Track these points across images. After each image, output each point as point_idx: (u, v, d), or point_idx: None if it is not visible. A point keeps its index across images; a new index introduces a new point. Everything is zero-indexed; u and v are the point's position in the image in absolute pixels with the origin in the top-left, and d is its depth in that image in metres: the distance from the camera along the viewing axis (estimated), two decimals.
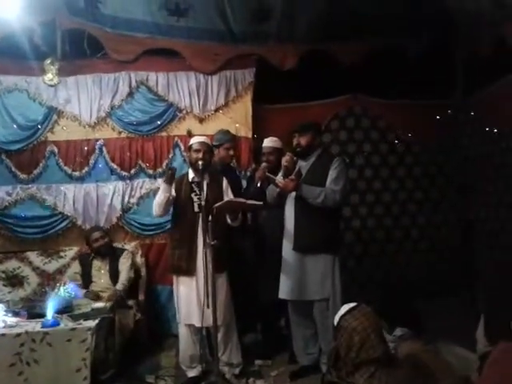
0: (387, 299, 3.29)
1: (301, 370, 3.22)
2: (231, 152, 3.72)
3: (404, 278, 4.49)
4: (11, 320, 2.81)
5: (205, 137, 3.39)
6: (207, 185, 3.14)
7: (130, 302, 3.66)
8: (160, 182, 4.08)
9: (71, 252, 4.08)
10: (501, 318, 2.66)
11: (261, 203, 3.04)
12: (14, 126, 4.10)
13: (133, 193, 4.21)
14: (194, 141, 3.25)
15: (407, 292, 3.84)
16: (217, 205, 2.95)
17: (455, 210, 4.84)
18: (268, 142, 3.63)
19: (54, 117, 4.16)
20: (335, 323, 2.05)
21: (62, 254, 4.07)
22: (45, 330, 2.63)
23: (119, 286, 3.64)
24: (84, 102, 4.18)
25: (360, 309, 2.00)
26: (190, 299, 3.07)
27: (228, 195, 3.20)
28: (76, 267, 3.89)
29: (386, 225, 4.79)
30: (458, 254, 4.72)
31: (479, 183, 4.59)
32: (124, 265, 3.78)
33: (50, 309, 2.78)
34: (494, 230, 4.37)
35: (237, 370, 3.18)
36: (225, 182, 3.27)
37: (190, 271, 3.09)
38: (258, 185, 3.30)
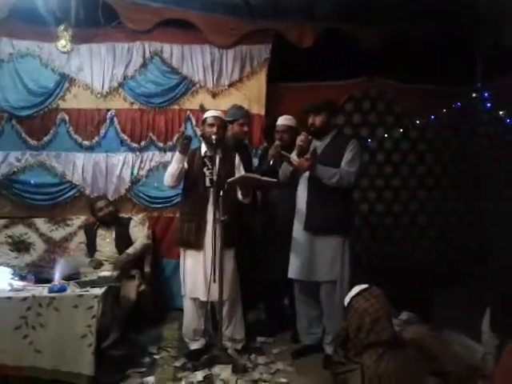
0: (393, 284, 3.27)
1: (303, 349, 3.23)
2: (245, 128, 3.69)
3: (411, 264, 4.47)
4: (18, 284, 2.81)
5: (219, 111, 3.35)
6: (219, 160, 3.11)
7: (134, 272, 3.66)
8: (170, 155, 4.11)
9: (78, 221, 4.07)
10: (507, 311, 2.65)
11: (275, 180, 3.04)
12: (26, 91, 4.06)
13: (142, 165, 4.18)
14: (208, 115, 3.21)
15: (414, 278, 3.82)
16: (231, 179, 2.93)
17: (465, 199, 4.79)
18: (282, 120, 3.58)
19: (66, 84, 4.12)
20: (346, 304, 2.04)
21: (68, 222, 4.07)
22: (52, 294, 2.63)
23: (130, 250, 3.65)
24: (96, 71, 4.13)
25: (371, 291, 1.98)
26: (197, 273, 3.08)
27: (240, 171, 3.18)
28: (82, 236, 3.89)
29: (395, 210, 4.75)
30: (467, 243, 4.69)
31: (492, 173, 4.54)
32: (140, 232, 3.83)
33: (57, 274, 2.77)
34: (504, 221, 4.33)
35: (239, 346, 3.20)
36: (237, 158, 3.24)
37: (198, 245, 3.08)
38: (271, 163, 3.27)
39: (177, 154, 3.13)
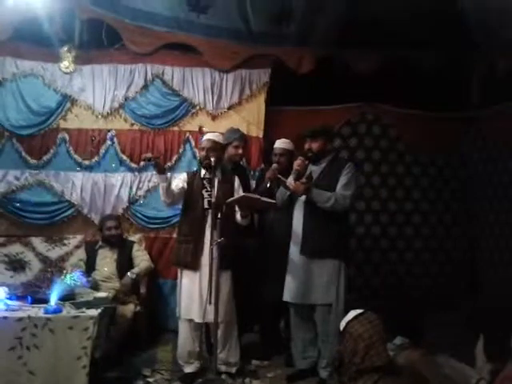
0: (387, 307, 3.29)
1: (298, 374, 3.22)
2: (240, 150, 3.69)
3: (404, 288, 4.50)
4: (14, 304, 2.80)
5: (216, 134, 3.39)
6: (218, 182, 3.14)
7: (129, 299, 3.65)
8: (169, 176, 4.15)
9: (75, 240, 4.06)
10: (500, 336, 2.67)
11: (274, 201, 3.06)
12: (27, 111, 4.10)
13: (140, 185, 4.21)
14: (203, 138, 3.26)
15: (408, 302, 3.84)
16: (231, 199, 2.97)
17: (459, 225, 4.83)
18: (280, 144, 3.64)
19: (68, 104, 4.17)
20: (341, 328, 2.05)
21: (65, 241, 4.06)
22: (47, 316, 2.63)
23: (136, 270, 3.68)
24: (98, 92, 4.19)
25: (367, 316, 2.00)
26: (192, 294, 3.08)
27: (239, 194, 3.20)
28: (79, 255, 3.90)
29: (390, 234, 4.78)
30: (460, 268, 4.72)
31: (485, 200, 4.59)
32: (144, 255, 3.87)
33: (54, 295, 2.77)
34: (498, 247, 4.37)
35: (234, 369, 3.18)
36: (237, 181, 3.28)
37: (194, 266, 3.10)
38: (268, 185, 3.32)
39: (156, 176, 3.21)
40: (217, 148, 3.20)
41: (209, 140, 3.22)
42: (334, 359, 2.02)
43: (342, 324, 2.05)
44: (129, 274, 3.66)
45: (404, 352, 2.36)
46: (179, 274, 3.23)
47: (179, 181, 3.30)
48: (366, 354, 1.90)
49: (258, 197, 2.97)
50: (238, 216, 3.14)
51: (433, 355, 2.72)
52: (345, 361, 1.95)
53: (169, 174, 3.52)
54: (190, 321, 3.11)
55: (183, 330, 3.18)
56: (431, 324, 3.57)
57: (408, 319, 3.29)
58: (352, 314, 2.04)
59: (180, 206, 4.00)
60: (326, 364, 3.04)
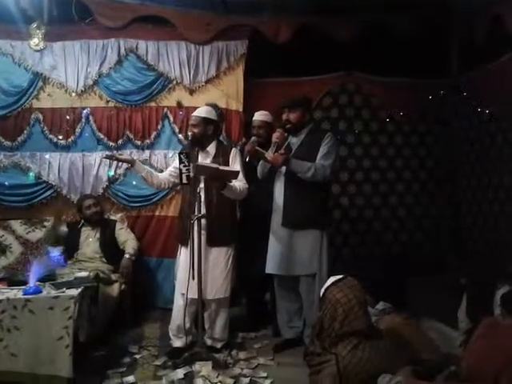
0: (372, 275, 3.30)
1: (284, 343, 3.23)
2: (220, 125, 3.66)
3: (390, 255, 4.52)
4: None
5: (203, 107, 3.30)
6: (213, 157, 3.12)
7: (115, 277, 3.63)
8: (148, 153, 4.13)
9: None
10: (482, 298, 2.69)
11: (237, 170, 3.00)
12: None
13: (119, 164, 4.13)
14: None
15: (392, 269, 3.86)
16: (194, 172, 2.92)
17: (443, 192, 4.85)
18: (258, 116, 3.58)
19: (40, 83, 4.06)
20: (321, 294, 2.05)
21: (45, 223, 4.00)
22: (26, 297, 2.59)
23: (131, 251, 3.71)
24: (71, 69, 4.07)
25: (346, 281, 1.99)
26: (185, 270, 3.04)
27: (235, 167, 3.13)
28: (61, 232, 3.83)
29: (374, 203, 4.79)
30: (445, 234, 4.75)
31: (468, 165, 4.60)
32: (129, 234, 3.86)
33: (33, 276, 2.73)
34: (481, 211, 4.40)
35: (219, 345, 3.18)
36: (232, 153, 3.20)
37: (185, 242, 3.08)
38: (247, 159, 3.27)
39: None
40: (200, 123, 3.13)
41: (192, 115, 3.19)
42: (314, 325, 2.01)
43: (322, 290, 2.04)
44: (127, 255, 3.67)
45: (386, 317, 2.37)
46: (179, 250, 3.24)
47: (173, 164, 3.31)
48: (344, 319, 1.90)
49: (216, 166, 2.89)
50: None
51: (416, 319, 2.75)
52: (324, 326, 1.95)
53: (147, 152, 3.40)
54: (183, 295, 3.08)
55: (176, 304, 3.17)
56: (416, 289, 3.60)
57: (392, 285, 3.31)
58: (331, 280, 2.03)
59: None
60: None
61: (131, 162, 3.19)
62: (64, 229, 3.79)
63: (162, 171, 4.03)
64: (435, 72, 4.51)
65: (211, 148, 3.17)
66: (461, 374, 1.47)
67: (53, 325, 2.57)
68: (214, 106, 3.72)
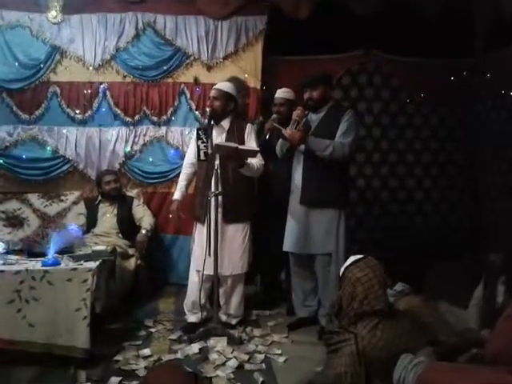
0: (388, 257, 3.28)
1: (299, 322, 3.23)
2: (247, 100, 3.64)
3: (406, 238, 4.48)
4: (11, 257, 2.78)
5: (225, 83, 3.25)
6: (227, 132, 3.08)
7: (131, 252, 3.66)
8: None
9: (72, 196, 4.04)
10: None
11: (256, 149, 2.97)
12: (16, 63, 3.98)
13: (136, 139, 4.13)
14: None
15: (409, 252, 3.83)
16: (211, 151, 2.89)
17: (462, 175, 4.77)
18: (280, 93, 3.53)
19: (57, 56, 4.04)
20: (340, 273, 2.03)
21: (62, 197, 4.04)
22: (45, 268, 2.61)
23: (147, 226, 3.74)
24: (88, 43, 4.05)
25: (366, 260, 1.97)
26: (201, 246, 3.05)
27: (250, 143, 3.10)
28: (78, 210, 3.88)
29: (391, 186, 4.73)
30: (463, 218, 4.69)
31: (489, 149, 4.50)
32: (146, 210, 3.89)
33: (51, 248, 2.75)
34: (500, 196, 4.32)
35: (234, 321, 3.19)
36: (247, 129, 3.16)
37: (202, 219, 3.08)
38: (267, 137, 3.23)
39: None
40: (221, 97, 3.09)
41: (215, 89, 3.14)
42: (333, 304, 2.00)
43: (342, 269, 2.02)
44: (143, 230, 3.70)
45: (404, 298, 2.35)
46: (195, 226, 3.24)
47: (191, 147, 3.29)
48: (364, 299, 1.88)
49: (235, 145, 2.85)
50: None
51: (433, 302, 2.72)
52: (343, 306, 1.94)
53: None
54: (199, 271, 3.08)
55: (191, 279, 3.19)
56: (433, 273, 3.56)
57: (409, 267, 3.28)
58: (351, 259, 2.01)
59: (178, 160, 4.02)
60: (327, 312, 3.05)
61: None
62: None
63: (177, 148, 4.05)
64: (459, 52, 4.39)
65: (226, 123, 3.13)
66: (485, 357, 1.45)
67: (71, 296, 2.59)
68: (238, 80, 3.67)
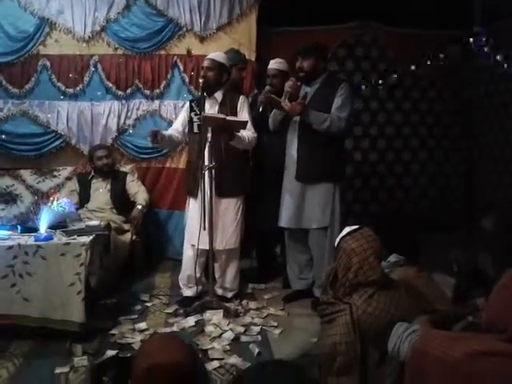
0: (385, 230, 3.27)
1: (294, 294, 3.24)
2: (244, 74, 3.57)
3: (402, 211, 4.48)
4: (3, 233, 2.76)
5: (218, 53, 3.17)
6: (220, 104, 3.02)
7: (126, 226, 3.64)
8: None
9: (65, 172, 4.00)
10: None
11: (245, 120, 2.91)
12: (4, 36, 3.88)
13: (129, 114, 4.06)
14: None
15: (404, 223, 3.83)
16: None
17: (458, 149, 4.74)
18: (273, 64, 3.44)
19: (46, 29, 3.93)
20: (335, 244, 2.01)
21: (55, 173, 3.99)
22: (38, 243, 2.59)
23: (142, 202, 3.72)
24: (78, 14, 3.93)
25: (362, 231, 1.94)
26: (195, 221, 3.03)
27: (242, 116, 3.04)
28: (71, 186, 3.85)
29: (388, 159, 4.70)
30: (459, 191, 4.68)
31: (485, 122, 4.46)
32: (140, 186, 3.86)
33: (43, 223, 2.72)
34: (496, 169, 4.30)
35: (230, 294, 3.20)
36: (240, 101, 3.09)
37: (194, 193, 3.05)
38: (260, 109, 3.17)
39: None
40: (215, 67, 3.02)
41: (208, 59, 3.05)
42: (328, 274, 1.99)
43: (337, 240, 2.00)
44: (138, 206, 3.68)
45: (399, 269, 2.34)
46: (187, 202, 3.21)
47: (181, 115, 3.23)
48: (359, 269, 1.86)
49: (223, 116, 2.80)
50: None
51: (428, 272, 2.72)
52: (339, 276, 1.93)
53: (165, 133, 3.30)
54: (193, 245, 3.07)
55: (186, 254, 3.17)
56: (428, 245, 3.57)
57: (404, 239, 3.27)
58: (346, 229, 1.98)
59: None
60: (320, 284, 3.03)
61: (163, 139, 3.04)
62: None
63: (171, 122, 3.97)
64: (457, 21, 4.30)
65: (218, 95, 3.06)
66: (481, 325, 1.44)
67: (65, 271, 2.58)
68: (237, 52, 3.59)
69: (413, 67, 4.52)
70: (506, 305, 1.33)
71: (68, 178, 3.95)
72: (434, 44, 4.47)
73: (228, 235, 3.08)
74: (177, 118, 3.92)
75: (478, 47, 4.40)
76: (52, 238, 2.65)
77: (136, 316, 2.94)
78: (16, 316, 2.57)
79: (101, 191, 3.72)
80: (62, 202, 2.87)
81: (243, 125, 2.90)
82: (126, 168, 4.01)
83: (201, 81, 2.97)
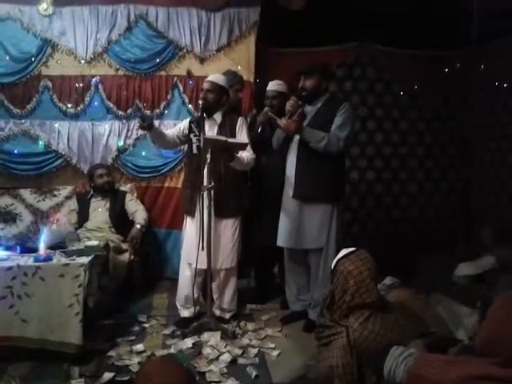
0: (382, 250, 3.28)
1: (292, 315, 3.24)
2: (240, 94, 3.62)
3: (399, 231, 4.50)
4: (3, 253, 2.77)
5: (217, 75, 3.22)
6: (219, 125, 3.06)
7: (125, 246, 3.65)
8: (158, 124, 4.04)
9: (65, 191, 4.01)
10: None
11: (246, 142, 2.95)
12: (7, 57, 3.94)
13: (129, 133, 4.09)
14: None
15: (402, 244, 3.84)
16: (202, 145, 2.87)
17: (455, 168, 4.77)
18: (272, 86, 3.49)
19: (49, 49, 3.99)
20: (332, 267, 2.03)
21: (55, 192, 4.00)
22: (37, 264, 2.60)
23: (141, 221, 3.71)
24: (80, 35, 3.99)
25: (358, 253, 1.96)
26: (192, 240, 3.05)
27: (241, 136, 3.07)
28: (70, 206, 3.85)
29: (385, 178, 4.73)
30: (456, 211, 4.70)
31: (482, 141, 4.51)
32: (139, 205, 3.87)
33: (43, 244, 2.73)
34: (492, 189, 4.33)
35: (227, 315, 3.19)
36: (239, 122, 3.12)
37: (192, 212, 3.07)
38: (259, 130, 3.21)
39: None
40: (215, 89, 3.06)
41: (207, 81, 3.10)
42: (325, 298, 2.00)
43: (333, 262, 2.02)
44: (137, 225, 3.67)
45: (395, 291, 2.35)
46: (185, 220, 3.22)
47: (180, 125, 3.25)
48: (356, 291, 1.88)
49: (224, 138, 2.83)
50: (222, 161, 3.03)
51: (424, 294, 2.73)
52: (336, 299, 1.94)
53: (156, 122, 3.32)
54: (191, 265, 3.07)
55: (182, 274, 3.17)
56: (425, 265, 3.58)
57: (400, 261, 3.29)
58: (343, 252, 2.00)
59: (172, 154, 4.01)
60: (315, 304, 3.03)
61: (151, 126, 3.06)
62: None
63: None
64: (452, 43, 4.37)
65: (218, 116, 3.10)
66: (475, 348, 1.45)
67: (63, 292, 2.58)
68: (234, 73, 3.64)
69: (409, 87, 4.60)
70: (498, 329, 1.34)
71: (68, 197, 3.96)
72: (431, 64, 4.55)
73: (225, 254, 3.09)
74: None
75: (473, 67, 4.49)
76: (51, 259, 2.66)
77: (133, 337, 2.93)
78: (14, 337, 2.56)
79: (100, 210, 3.74)
80: (62, 223, 2.88)
81: (243, 147, 2.94)
82: (125, 187, 4.03)
83: (200, 102, 3.03)
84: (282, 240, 3.13)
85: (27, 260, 2.67)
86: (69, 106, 4.01)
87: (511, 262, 2.43)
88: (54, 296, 2.59)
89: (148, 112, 4.05)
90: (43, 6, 3.96)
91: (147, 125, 2.99)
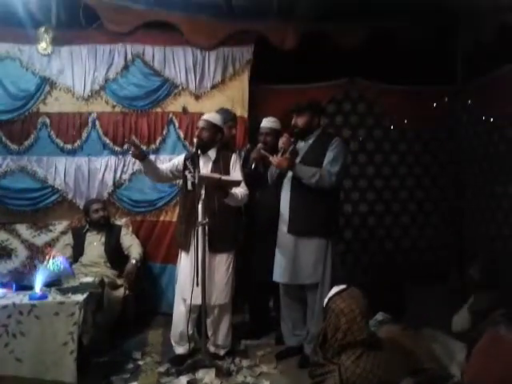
0: (373, 283, 3.32)
1: (287, 351, 3.23)
2: (234, 131, 3.71)
3: (392, 263, 4.53)
4: None
5: (212, 114, 3.32)
6: (213, 162, 3.13)
7: (120, 281, 3.66)
8: (154, 158, 4.11)
9: (61, 226, 4.04)
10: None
11: (239, 180, 3.01)
12: (6, 95, 4.03)
13: (125, 168, 4.16)
14: None
15: (394, 277, 3.87)
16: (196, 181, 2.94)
17: (447, 199, 4.85)
18: (266, 123, 3.58)
19: (47, 87, 4.09)
20: (324, 305, 2.06)
21: (51, 227, 4.03)
22: (32, 302, 2.61)
23: (137, 256, 3.73)
24: (78, 74, 4.10)
25: (349, 291, 2.00)
26: (186, 275, 3.06)
27: (235, 173, 3.14)
28: (65, 241, 3.88)
29: (377, 210, 4.79)
30: (448, 242, 4.75)
31: (472, 173, 4.60)
32: (134, 239, 3.89)
33: (38, 281, 2.75)
34: (484, 219, 4.39)
35: (222, 352, 3.19)
36: (233, 159, 3.20)
37: (186, 247, 3.10)
38: (253, 166, 3.28)
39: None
40: (210, 128, 3.15)
41: (203, 120, 3.20)
42: (318, 335, 2.02)
43: (325, 300, 2.05)
44: (133, 260, 3.69)
45: (384, 327, 2.38)
46: (179, 255, 3.24)
47: (175, 160, 3.31)
48: (348, 330, 1.91)
49: (218, 176, 2.90)
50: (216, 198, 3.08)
51: (415, 329, 2.75)
52: (328, 337, 1.96)
53: (152, 157, 3.41)
54: (185, 300, 3.08)
55: (177, 310, 3.17)
56: (417, 297, 3.60)
57: (391, 295, 3.31)
58: (334, 289, 2.04)
59: (167, 188, 4.06)
60: (311, 339, 3.03)
61: (144, 157, 3.14)
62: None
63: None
64: (440, 79, 4.52)
65: (212, 153, 3.18)
66: None
67: (58, 330, 2.59)
68: (227, 111, 3.73)
69: (399, 121, 4.72)
70: (484, 368, 1.38)
71: (63, 232, 3.99)
72: (420, 99, 4.68)
73: (219, 291, 3.10)
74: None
75: (461, 103, 4.63)
76: (47, 297, 2.67)
77: (128, 375, 2.92)
78: (9, 377, 2.55)
79: (95, 244, 3.76)
80: (57, 260, 2.90)
81: (237, 184, 3.00)
82: (120, 221, 4.07)
83: (195, 140, 3.11)
84: (277, 275, 3.16)
85: (22, 298, 2.68)
86: (66, 142, 4.08)
87: (501, 300, 2.47)
88: (48, 334, 2.59)
89: (144, 147, 4.13)
90: (42, 45, 4.07)
91: (139, 153, 3.07)
